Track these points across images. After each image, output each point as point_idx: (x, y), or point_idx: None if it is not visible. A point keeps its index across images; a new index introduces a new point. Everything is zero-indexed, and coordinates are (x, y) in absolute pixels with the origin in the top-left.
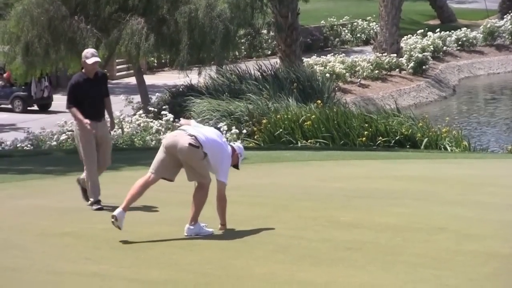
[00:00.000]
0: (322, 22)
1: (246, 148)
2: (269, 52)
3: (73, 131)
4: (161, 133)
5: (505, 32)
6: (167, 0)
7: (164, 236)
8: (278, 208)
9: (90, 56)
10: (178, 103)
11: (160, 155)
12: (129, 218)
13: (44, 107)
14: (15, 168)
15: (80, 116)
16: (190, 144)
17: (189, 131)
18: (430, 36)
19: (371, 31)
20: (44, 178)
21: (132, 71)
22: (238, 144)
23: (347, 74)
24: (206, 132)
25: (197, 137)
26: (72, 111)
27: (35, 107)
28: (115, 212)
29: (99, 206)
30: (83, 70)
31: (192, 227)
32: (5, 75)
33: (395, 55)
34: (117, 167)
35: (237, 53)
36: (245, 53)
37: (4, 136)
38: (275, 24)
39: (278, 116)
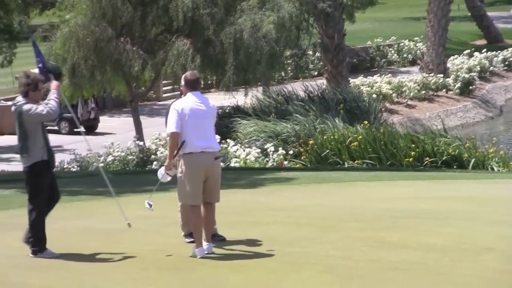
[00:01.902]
0: (369, 42)
1: (292, 169)
2: (316, 73)
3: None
4: None
5: None
6: (213, 21)
7: (210, 257)
8: (325, 229)
9: None
10: (225, 124)
11: (194, 183)
12: (175, 240)
13: (91, 129)
14: (63, 190)
15: None
16: (216, 158)
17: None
18: (476, 57)
19: (418, 51)
20: (92, 199)
21: (178, 92)
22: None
23: (393, 94)
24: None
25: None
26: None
27: (82, 129)
28: (206, 250)
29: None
30: (182, 96)
31: (211, 244)
32: None
33: (441, 75)
34: (164, 188)
35: (283, 74)
36: (291, 74)
37: None
38: (321, 45)
39: (324, 137)
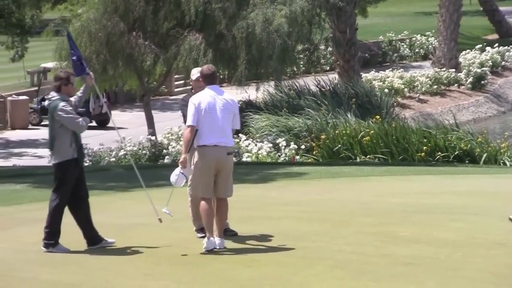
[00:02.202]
0: (381, 37)
1: (304, 164)
2: (328, 67)
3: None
4: None
5: None
6: (225, 15)
7: (223, 252)
8: (337, 224)
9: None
10: None
11: (205, 176)
12: (187, 235)
13: (102, 123)
14: None
15: None
16: (228, 154)
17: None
18: (488, 51)
19: (430, 46)
20: (103, 194)
21: (189, 87)
22: None
23: (405, 89)
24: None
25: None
26: None
27: (93, 123)
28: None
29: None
30: (192, 90)
31: (223, 239)
32: None
33: (453, 70)
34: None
35: (295, 69)
36: (303, 68)
37: None
38: (333, 39)
39: (336, 131)
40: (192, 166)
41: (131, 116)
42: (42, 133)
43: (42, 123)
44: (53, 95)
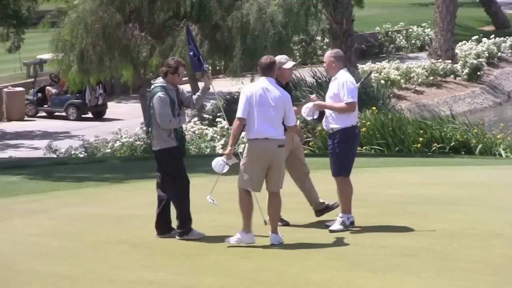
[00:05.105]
0: (377, 28)
1: None
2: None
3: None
4: (216, 140)
5: None
6: (220, 6)
7: (219, 244)
8: (334, 215)
9: (286, 60)
10: (233, 110)
11: (254, 170)
12: None
13: (99, 115)
14: (71, 176)
15: None
16: (279, 146)
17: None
18: (484, 42)
19: (426, 37)
20: (99, 185)
21: (186, 78)
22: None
23: (402, 80)
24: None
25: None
26: None
27: (90, 115)
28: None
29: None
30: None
31: (277, 235)
32: (60, 82)
33: (450, 61)
34: None
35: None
36: (299, 59)
37: (58, 143)
38: (329, 30)
39: None
40: (242, 159)
41: (127, 108)
42: (38, 124)
43: (38, 114)
44: (159, 81)
